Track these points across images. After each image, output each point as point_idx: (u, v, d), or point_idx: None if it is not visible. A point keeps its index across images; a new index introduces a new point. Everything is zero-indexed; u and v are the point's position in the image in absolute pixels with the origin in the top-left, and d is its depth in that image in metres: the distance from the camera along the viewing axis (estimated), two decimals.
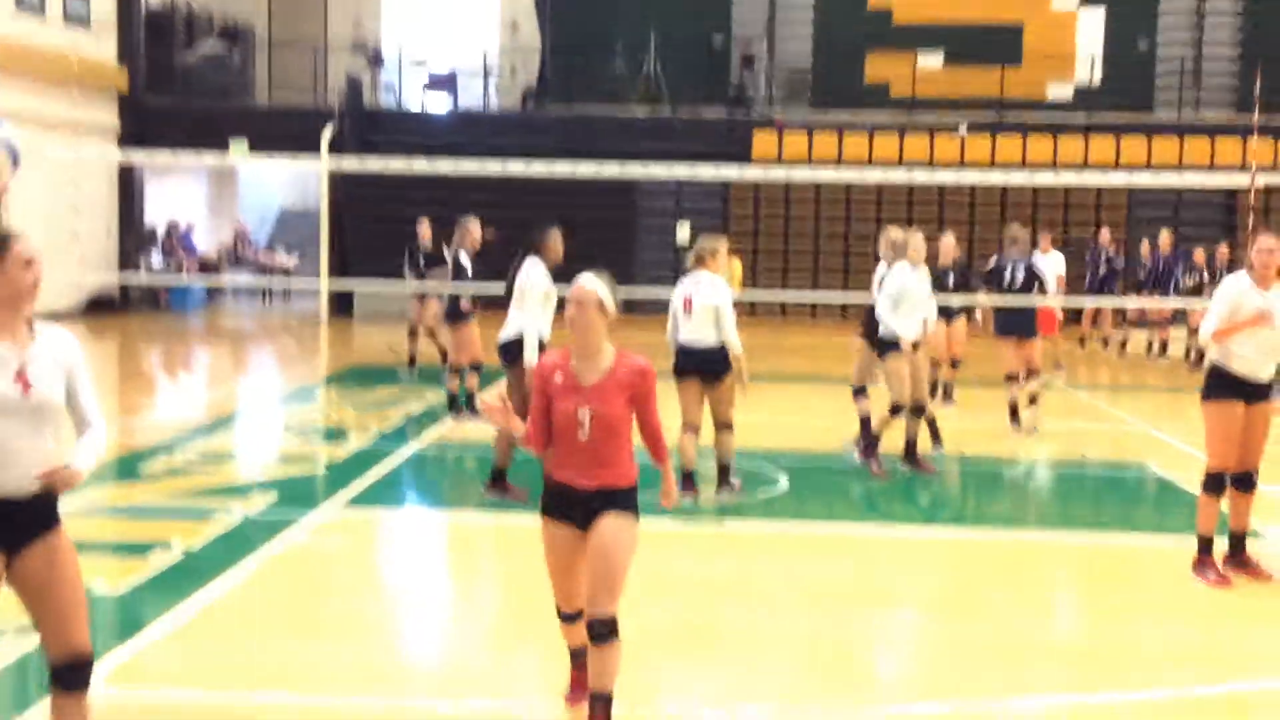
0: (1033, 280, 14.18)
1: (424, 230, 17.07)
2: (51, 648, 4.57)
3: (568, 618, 5.63)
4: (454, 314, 13.88)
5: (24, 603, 4.56)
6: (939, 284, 15.94)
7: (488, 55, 29.63)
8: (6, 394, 4.42)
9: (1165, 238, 21.58)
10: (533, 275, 9.85)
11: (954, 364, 15.87)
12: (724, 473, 10.22)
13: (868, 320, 12.20)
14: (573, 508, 5.41)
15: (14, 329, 4.49)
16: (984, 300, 14.24)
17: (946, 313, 15.01)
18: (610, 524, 5.36)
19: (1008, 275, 14.16)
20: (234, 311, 28.91)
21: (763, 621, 7.36)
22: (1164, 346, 21.87)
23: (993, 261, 14.72)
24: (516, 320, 9.91)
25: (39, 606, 4.54)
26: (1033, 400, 14.12)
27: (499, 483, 10.06)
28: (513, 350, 9.90)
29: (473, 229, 14.02)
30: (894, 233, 12.11)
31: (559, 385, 5.39)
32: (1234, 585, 8.07)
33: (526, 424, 5.54)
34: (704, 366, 9.93)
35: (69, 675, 4.56)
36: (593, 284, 5.37)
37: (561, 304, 6.25)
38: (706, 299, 9.88)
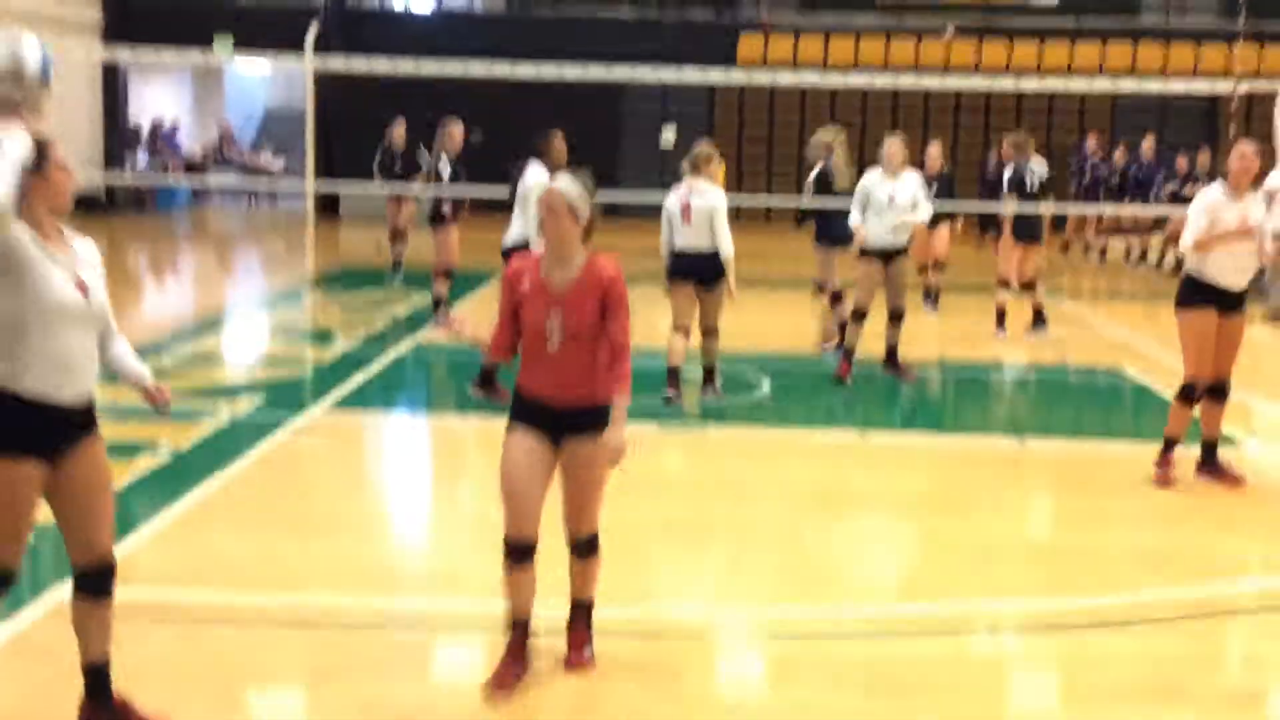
0: (1049, 185, 14.33)
1: (398, 132, 16.96)
2: (82, 554, 4.54)
3: (516, 553, 5.15)
4: (435, 218, 13.88)
5: (58, 509, 4.52)
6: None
7: None
8: (75, 302, 4.40)
9: (1148, 143, 21.63)
10: (536, 180, 9.92)
11: (938, 268, 16.14)
12: (709, 376, 10.43)
13: (817, 223, 12.45)
14: (544, 421, 5.15)
15: (59, 236, 4.46)
16: (1012, 208, 14.25)
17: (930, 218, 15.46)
18: (586, 449, 5.15)
19: (1028, 181, 14.22)
20: (220, 212, 28.85)
21: (744, 524, 7.54)
22: (1143, 254, 22.02)
23: (1009, 169, 14.70)
24: (520, 225, 10.01)
25: (75, 512, 4.50)
26: (1040, 315, 14.18)
27: (487, 383, 10.21)
28: (507, 256, 9.93)
29: (454, 132, 13.95)
30: (824, 134, 12.52)
31: (527, 291, 5.11)
32: (1175, 486, 8.31)
33: (493, 332, 5.28)
34: (699, 272, 10.10)
35: (97, 581, 4.57)
36: (564, 186, 5.09)
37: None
38: (704, 205, 10.03)
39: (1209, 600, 6.44)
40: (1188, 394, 8.36)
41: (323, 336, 13.12)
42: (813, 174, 12.63)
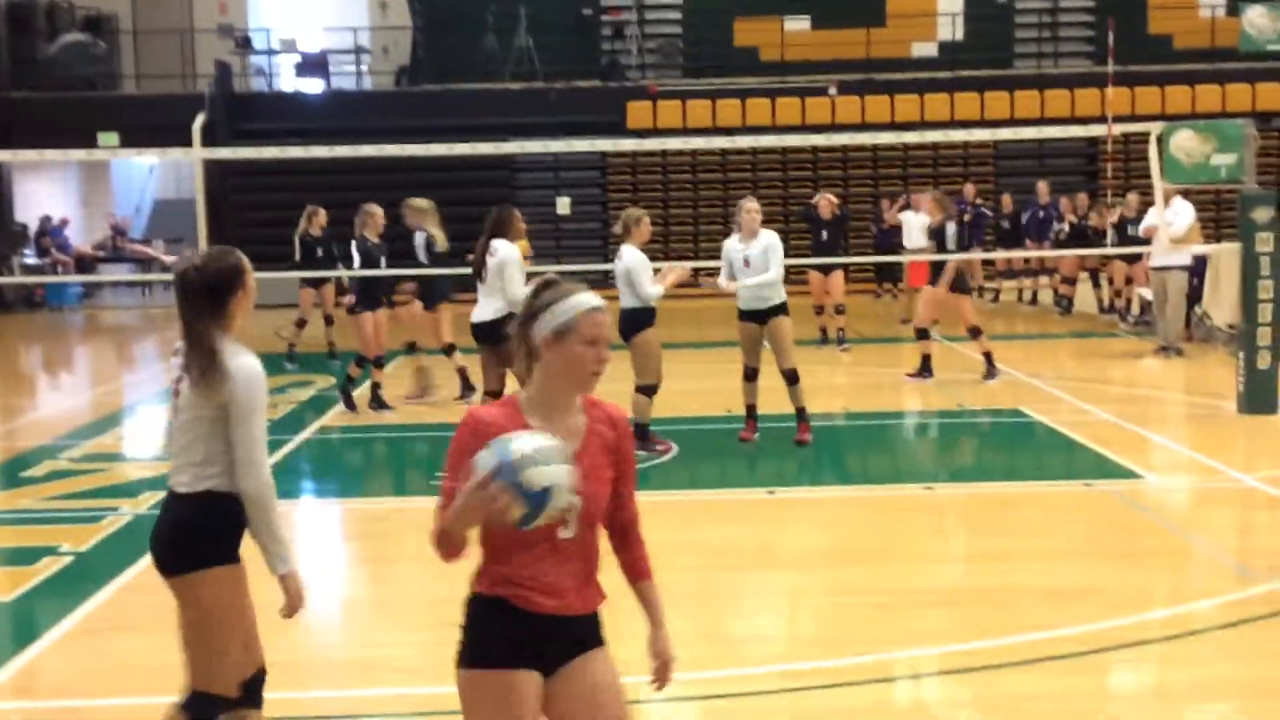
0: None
1: (320, 219, 16.51)
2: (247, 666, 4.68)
3: None
4: (361, 303, 13.43)
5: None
6: (816, 238, 16.87)
7: (358, 36, 29.43)
8: None
9: (1043, 187, 22.16)
10: (509, 249, 10.31)
11: (838, 310, 17.11)
12: (641, 432, 10.72)
13: (424, 289, 13.52)
14: (544, 648, 3.54)
15: None
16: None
17: (824, 267, 16.89)
18: (607, 670, 3.66)
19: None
20: (114, 306, 28.49)
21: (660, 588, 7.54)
22: (1035, 296, 22.53)
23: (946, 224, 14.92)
24: (494, 299, 10.27)
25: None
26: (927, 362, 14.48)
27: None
28: (491, 329, 10.23)
29: (375, 214, 13.53)
30: (418, 203, 13.69)
31: None
32: None
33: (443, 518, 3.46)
34: (622, 330, 10.58)
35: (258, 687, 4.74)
36: (602, 305, 3.64)
37: None
38: (620, 267, 10.59)
39: (1116, 633, 6.56)
40: None
41: None
42: (421, 242, 13.39)
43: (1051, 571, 7.65)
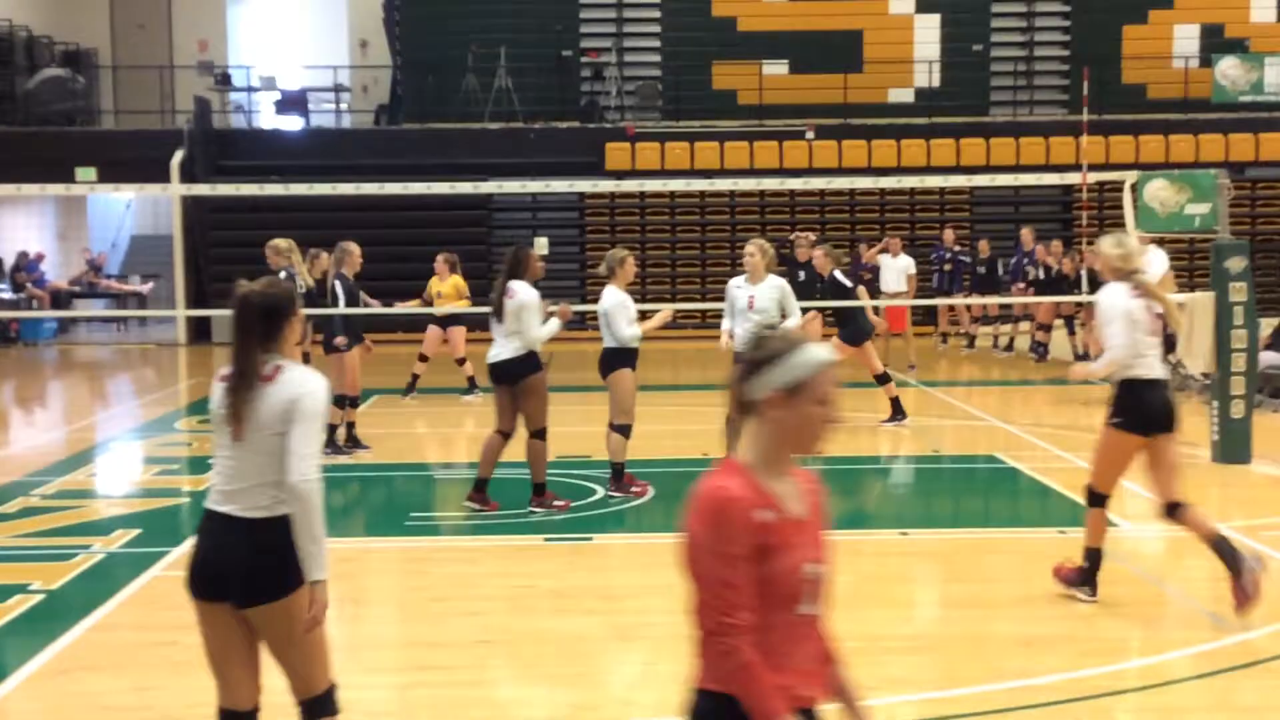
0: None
1: (321, 263, 16.28)
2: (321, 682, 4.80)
3: None
4: (332, 344, 13.28)
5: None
6: (793, 280, 16.92)
7: (338, 74, 29.51)
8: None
9: (1026, 234, 22.28)
10: (528, 292, 10.29)
11: None
12: (617, 473, 10.94)
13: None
14: None
15: None
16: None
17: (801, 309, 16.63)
18: None
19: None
20: (89, 341, 28.36)
21: (639, 632, 7.53)
22: (1011, 342, 22.61)
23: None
24: (513, 340, 10.22)
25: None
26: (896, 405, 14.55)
27: (480, 493, 10.42)
28: (508, 369, 10.20)
29: (353, 252, 13.38)
30: (281, 243, 13.27)
31: (774, 526, 3.24)
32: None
33: (734, 612, 3.27)
34: (601, 368, 10.77)
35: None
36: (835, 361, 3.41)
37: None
38: (600, 308, 10.71)
39: (1092, 682, 6.55)
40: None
41: (199, 464, 12.89)
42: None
43: (1027, 619, 7.65)
